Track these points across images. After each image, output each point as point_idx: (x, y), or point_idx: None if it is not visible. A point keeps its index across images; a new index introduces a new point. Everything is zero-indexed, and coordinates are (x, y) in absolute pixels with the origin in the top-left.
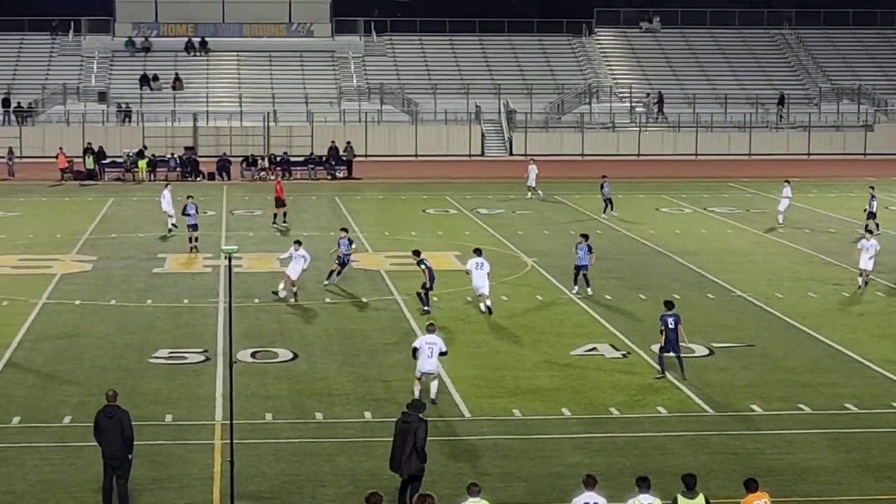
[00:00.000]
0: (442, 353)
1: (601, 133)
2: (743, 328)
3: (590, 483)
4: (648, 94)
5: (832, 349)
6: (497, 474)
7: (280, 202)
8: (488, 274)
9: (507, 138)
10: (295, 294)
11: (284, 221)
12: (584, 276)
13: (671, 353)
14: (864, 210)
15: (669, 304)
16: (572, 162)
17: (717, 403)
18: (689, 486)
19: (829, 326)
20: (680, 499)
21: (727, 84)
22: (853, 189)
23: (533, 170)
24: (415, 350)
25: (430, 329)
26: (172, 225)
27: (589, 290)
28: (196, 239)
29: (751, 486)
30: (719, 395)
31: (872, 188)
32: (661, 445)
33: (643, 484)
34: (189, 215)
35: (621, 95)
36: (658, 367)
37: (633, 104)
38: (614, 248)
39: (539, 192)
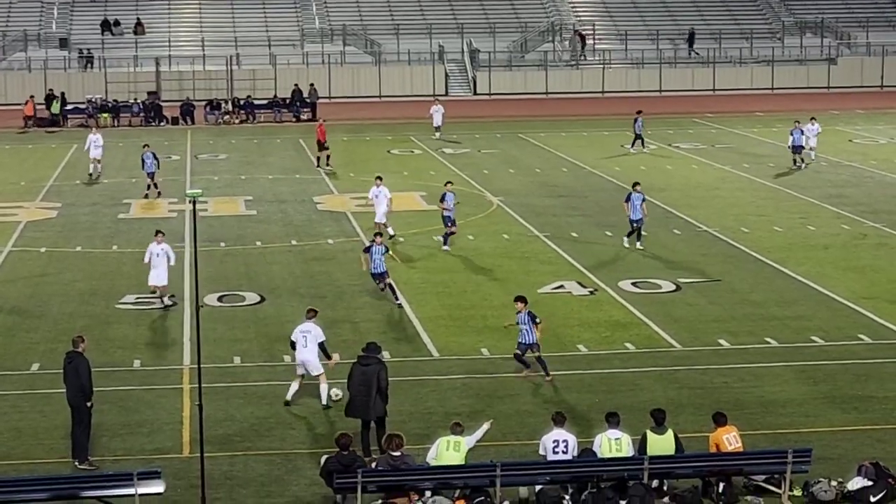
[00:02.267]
0: (320, 345)
1: (565, 71)
2: (709, 263)
3: (559, 420)
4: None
5: (798, 283)
6: (466, 413)
7: (321, 146)
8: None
9: (470, 78)
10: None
11: (328, 164)
12: (639, 229)
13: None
14: (789, 147)
15: (522, 299)
16: (536, 100)
17: (684, 338)
18: (658, 422)
19: (794, 260)
20: (649, 434)
21: (690, 19)
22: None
23: (438, 110)
24: (292, 343)
25: (309, 316)
26: (96, 171)
27: (639, 244)
28: (155, 185)
29: (719, 419)
30: (686, 330)
31: (798, 122)
32: (629, 381)
33: (612, 420)
34: (145, 163)
35: (584, 32)
36: (521, 365)
37: (596, 42)
38: (580, 185)
39: (439, 134)
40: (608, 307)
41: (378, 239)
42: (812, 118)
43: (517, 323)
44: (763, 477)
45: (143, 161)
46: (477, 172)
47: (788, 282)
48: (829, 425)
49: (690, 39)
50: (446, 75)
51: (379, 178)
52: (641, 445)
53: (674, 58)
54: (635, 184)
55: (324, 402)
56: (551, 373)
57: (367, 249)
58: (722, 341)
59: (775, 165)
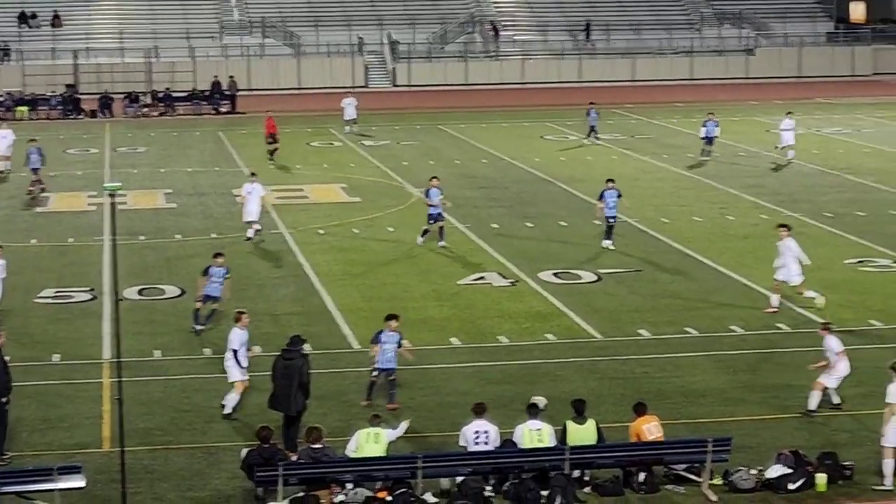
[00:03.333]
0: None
1: (484, 62)
2: (630, 254)
3: (479, 411)
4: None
5: (718, 273)
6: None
7: (273, 138)
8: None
9: (390, 69)
10: None
11: (271, 159)
12: (611, 227)
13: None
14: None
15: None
16: (456, 92)
17: (605, 329)
18: (579, 412)
19: (714, 250)
20: (569, 424)
21: (610, 11)
22: (736, 113)
23: (351, 103)
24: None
25: (236, 318)
26: (6, 168)
27: (610, 242)
28: (40, 182)
29: (640, 409)
30: (607, 320)
31: (712, 114)
32: (550, 372)
33: (533, 410)
34: (30, 159)
35: (504, 24)
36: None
37: (515, 33)
38: (500, 176)
39: (353, 127)
40: (529, 298)
41: (220, 259)
42: (788, 112)
43: (381, 342)
44: (683, 466)
45: (27, 157)
46: (397, 164)
47: (708, 272)
48: (749, 414)
49: (587, 29)
50: (366, 67)
51: (253, 174)
52: (562, 436)
53: (593, 49)
54: (609, 180)
55: (226, 410)
56: (475, 363)
57: (206, 271)
58: (642, 331)
59: (695, 156)
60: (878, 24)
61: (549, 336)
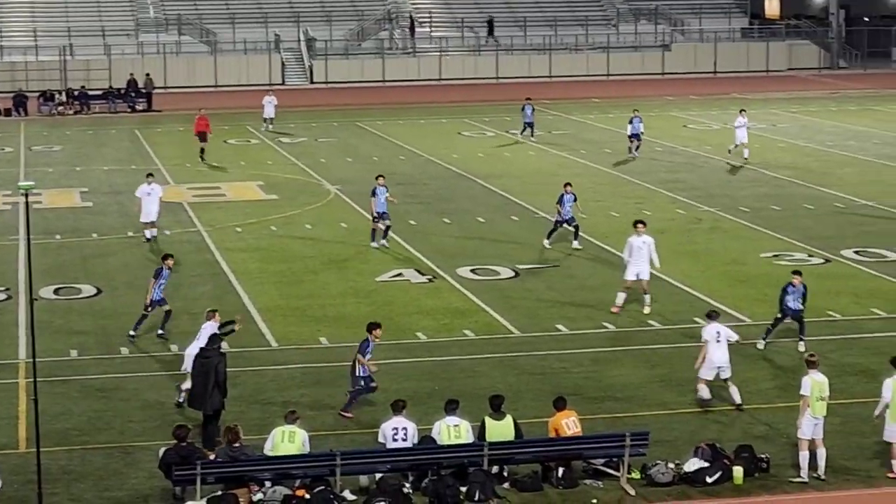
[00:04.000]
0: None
1: (402, 59)
2: (547, 249)
3: (398, 408)
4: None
5: None
6: (306, 403)
7: (203, 137)
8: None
9: (307, 66)
10: None
11: (203, 159)
12: (577, 227)
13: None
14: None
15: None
16: (373, 88)
17: (523, 325)
18: (496, 408)
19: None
20: (488, 420)
21: (526, 7)
22: (652, 109)
23: (270, 101)
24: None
25: (208, 317)
26: None
27: (576, 243)
28: None
29: (559, 404)
30: (525, 316)
31: (637, 110)
32: (468, 368)
33: (451, 407)
34: None
35: (421, 20)
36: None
37: (432, 28)
38: (418, 173)
39: (269, 125)
40: (447, 294)
41: (169, 262)
42: (741, 110)
43: (371, 354)
44: (602, 461)
45: None
46: (314, 161)
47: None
48: (666, 408)
49: (490, 26)
50: (283, 64)
51: (150, 174)
52: (481, 432)
53: (510, 45)
54: (566, 184)
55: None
56: (394, 359)
57: (158, 273)
58: (560, 327)
59: (612, 151)
60: (792, 19)
61: (467, 332)
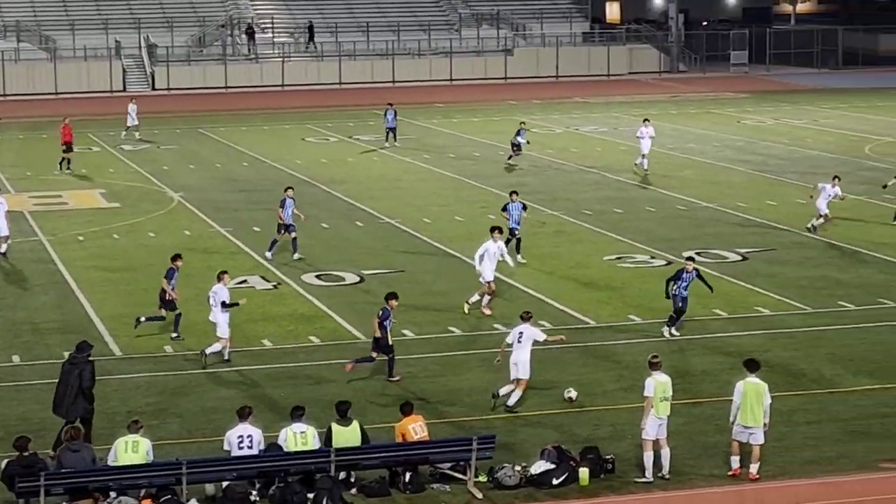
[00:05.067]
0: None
1: (244, 65)
2: (392, 254)
3: (244, 415)
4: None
5: None
6: (150, 412)
7: (69, 147)
8: None
9: (148, 73)
10: None
11: (69, 168)
12: (519, 240)
13: None
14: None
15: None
16: (216, 95)
17: (368, 330)
18: (342, 414)
19: (475, 249)
20: (334, 426)
21: (369, 12)
22: (496, 113)
23: (133, 109)
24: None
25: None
26: None
27: (519, 256)
28: None
29: (405, 409)
30: (371, 321)
31: (524, 123)
32: (314, 374)
33: (297, 413)
34: None
35: (263, 27)
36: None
37: (275, 35)
38: (261, 179)
39: (135, 132)
40: (292, 301)
41: (178, 262)
42: (645, 119)
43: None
44: (449, 464)
45: None
46: (157, 168)
47: (471, 271)
48: (512, 412)
49: (310, 32)
50: (124, 70)
51: None
52: (327, 438)
53: (353, 50)
54: (512, 192)
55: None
56: (239, 367)
57: (171, 274)
58: (406, 332)
59: (456, 156)
60: (633, 24)
61: (313, 338)
